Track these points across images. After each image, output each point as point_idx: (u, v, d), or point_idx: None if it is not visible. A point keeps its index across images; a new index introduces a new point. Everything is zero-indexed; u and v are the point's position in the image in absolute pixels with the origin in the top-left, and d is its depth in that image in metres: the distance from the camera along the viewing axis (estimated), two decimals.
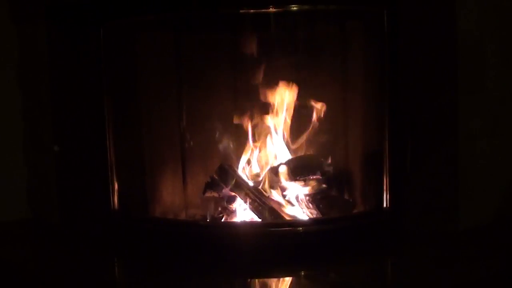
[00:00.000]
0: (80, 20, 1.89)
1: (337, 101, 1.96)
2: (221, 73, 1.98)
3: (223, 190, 1.86)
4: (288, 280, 1.59)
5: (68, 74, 1.96)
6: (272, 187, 1.87)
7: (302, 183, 1.88)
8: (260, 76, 1.90)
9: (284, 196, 1.86)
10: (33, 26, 2.05)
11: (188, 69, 1.97)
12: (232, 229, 1.79)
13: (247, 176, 1.92)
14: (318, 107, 1.93)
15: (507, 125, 1.90)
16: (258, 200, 1.79)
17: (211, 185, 1.89)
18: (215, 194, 1.89)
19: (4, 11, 2.14)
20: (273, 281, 1.59)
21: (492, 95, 1.85)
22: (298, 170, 1.88)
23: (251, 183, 1.88)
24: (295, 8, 1.74)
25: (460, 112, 1.77)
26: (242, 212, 1.84)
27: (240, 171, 1.92)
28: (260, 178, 1.90)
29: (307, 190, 1.89)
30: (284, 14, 1.76)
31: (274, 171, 1.89)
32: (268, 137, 1.94)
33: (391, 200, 1.79)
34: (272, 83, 1.91)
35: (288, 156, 1.94)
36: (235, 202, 1.84)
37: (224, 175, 1.85)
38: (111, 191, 1.87)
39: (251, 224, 1.79)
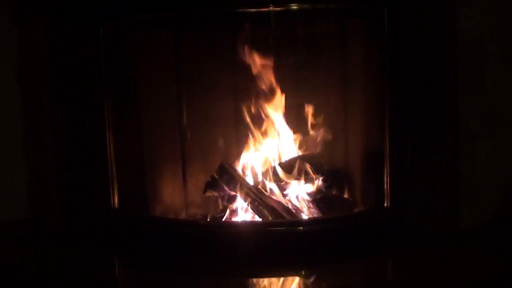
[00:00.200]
0: (80, 20, 1.89)
1: (337, 100, 1.96)
2: (221, 72, 1.98)
3: (223, 189, 1.86)
4: (288, 279, 1.59)
5: (68, 74, 1.96)
6: (272, 186, 1.87)
7: (303, 182, 1.88)
8: (260, 75, 1.90)
9: (284, 196, 1.86)
10: (33, 25, 2.05)
11: (188, 68, 1.97)
12: (233, 229, 1.79)
13: (247, 175, 1.92)
14: (318, 107, 1.93)
15: (507, 124, 1.90)
16: (259, 199, 1.79)
17: (211, 184, 1.89)
18: (216, 194, 1.89)
19: (4, 11, 2.14)
20: (273, 281, 1.58)
21: (493, 94, 1.85)
22: (298, 169, 1.88)
23: (251, 182, 1.88)
24: (295, 7, 1.74)
25: (460, 111, 1.77)
26: (243, 211, 1.83)
27: (240, 170, 1.92)
28: (261, 178, 1.90)
29: (307, 189, 1.89)
30: (284, 13, 1.76)
31: (275, 170, 1.89)
32: (269, 137, 1.94)
33: (391, 199, 1.80)
34: (272, 82, 1.91)
35: (288, 155, 1.93)
36: (236, 201, 1.85)
37: (225, 175, 1.85)
38: (111, 190, 1.87)
39: (252, 223, 1.79)
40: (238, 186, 1.82)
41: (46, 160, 2.07)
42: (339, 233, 1.73)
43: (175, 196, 2.00)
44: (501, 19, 1.87)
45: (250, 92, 1.94)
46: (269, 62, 1.89)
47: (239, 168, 1.93)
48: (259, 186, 1.86)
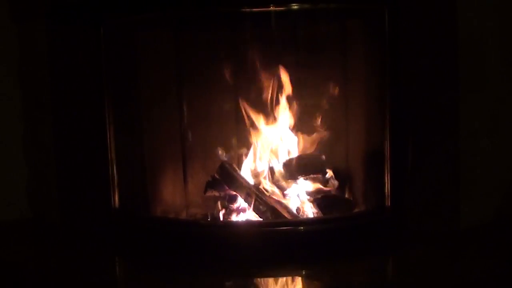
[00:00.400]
0: (80, 19, 1.89)
1: (338, 99, 1.96)
2: (221, 72, 1.98)
3: (224, 189, 1.86)
4: (289, 279, 1.59)
5: (68, 73, 1.96)
6: (273, 186, 1.87)
7: (303, 182, 1.88)
8: (261, 75, 1.90)
9: (285, 195, 1.86)
10: (33, 25, 2.05)
11: (188, 68, 1.97)
12: (233, 229, 1.79)
13: (248, 175, 1.92)
14: (319, 106, 1.93)
15: (507, 124, 1.90)
16: (259, 199, 1.79)
17: (212, 184, 1.89)
18: (216, 193, 1.89)
19: (4, 11, 2.14)
20: (274, 280, 1.58)
21: (493, 94, 1.85)
22: (299, 169, 1.88)
23: (252, 182, 1.88)
24: (295, 6, 1.74)
25: (461, 111, 1.77)
26: (243, 211, 1.83)
27: (241, 170, 1.92)
28: (261, 177, 1.90)
29: (308, 189, 1.89)
30: (285, 12, 1.76)
31: (275, 170, 1.89)
32: (269, 137, 1.94)
33: (391, 199, 1.79)
34: (273, 82, 1.91)
35: (289, 154, 1.93)
36: (236, 201, 1.84)
37: (225, 174, 1.85)
38: (111, 190, 1.87)
39: (252, 223, 1.79)
40: (239, 186, 1.82)
41: (46, 159, 2.06)
42: (340, 233, 1.73)
43: (176, 196, 2.00)
44: (502, 19, 1.87)
45: (251, 92, 1.94)
46: (270, 62, 1.89)
47: (239, 167, 1.93)
48: (260, 186, 1.86)
